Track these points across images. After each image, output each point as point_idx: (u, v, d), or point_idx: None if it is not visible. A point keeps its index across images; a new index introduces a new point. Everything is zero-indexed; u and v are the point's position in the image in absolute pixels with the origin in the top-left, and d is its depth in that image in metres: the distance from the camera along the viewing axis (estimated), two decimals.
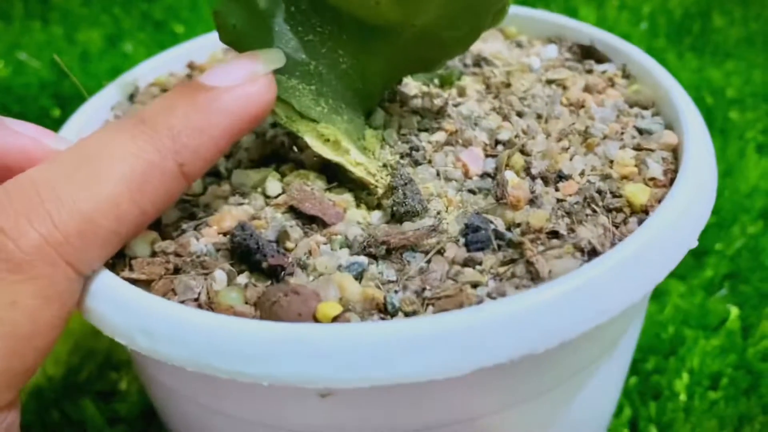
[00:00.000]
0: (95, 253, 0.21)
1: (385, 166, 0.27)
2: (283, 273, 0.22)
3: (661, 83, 0.30)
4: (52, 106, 0.65)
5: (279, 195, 0.26)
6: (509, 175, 0.26)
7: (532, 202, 0.24)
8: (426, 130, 0.29)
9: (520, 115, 0.30)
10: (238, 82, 0.22)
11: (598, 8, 0.77)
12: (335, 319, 0.20)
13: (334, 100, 0.26)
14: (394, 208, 0.24)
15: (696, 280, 0.56)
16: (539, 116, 0.29)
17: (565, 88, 0.32)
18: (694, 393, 0.49)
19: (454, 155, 0.27)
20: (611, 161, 0.26)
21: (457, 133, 0.28)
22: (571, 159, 0.26)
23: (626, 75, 0.33)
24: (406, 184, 0.25)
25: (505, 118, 0.29)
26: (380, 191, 0.25)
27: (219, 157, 0.23)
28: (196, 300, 0.22)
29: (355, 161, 0.25)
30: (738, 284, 0.56)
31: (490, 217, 0.24)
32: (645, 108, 0.30)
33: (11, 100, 0.66)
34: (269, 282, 0.23)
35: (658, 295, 0.55)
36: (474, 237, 0.23)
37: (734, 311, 0.55)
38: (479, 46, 0.36)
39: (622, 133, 0.28)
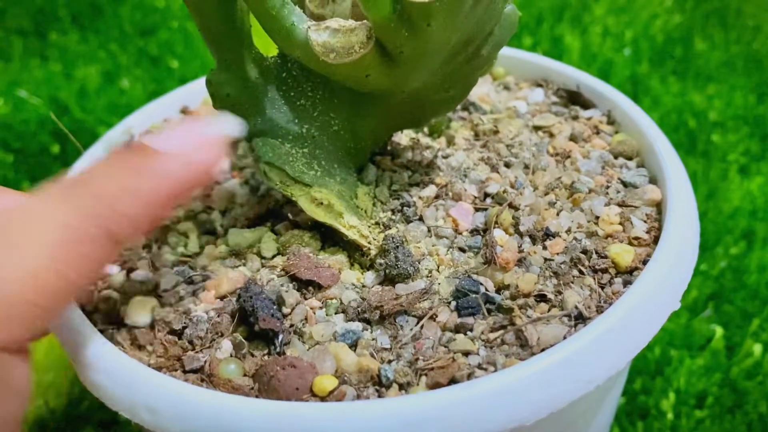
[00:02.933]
0: (17, 331, 0.19)
1: (377, 224, 0.27)
2: (277, 339, 0.23)
3: (644, 132, 0.30)
4: (51, 142, 0.67)
5: (274, 256, 0.27)
6: (498, 233, 0.26)
7: (520, 262, 0.25)
8: (417, 185, 0.29)
9: (507, 165, 0.30)
10: (185, 148, 0.21)
11: (582, 35, 0.78)
12: (331, 393, 0.21)
13: (326, 162, 0.27)
14: (387, 271, 0.25)
15: (681, 301, 0.57)
16: (526, 167, 0.30)
17: (551, 135, 0.32)
18: (681, 412, 0.50)
19: (445, 210, 0.28)
20: (597, 217, 0.27)
21: (447, 186, 0.29)
22: (558, 214, 0.27)
23: (611, 121, 0.33)
24: (397, 247, 0.25)
25: (494, 168, 0.30)
26: (373, 252, 0.26)
27: (155, 221, 0.22)
28: (200, 370, 0.22)
29: (348, 224, 0.26)
30: (722, 304, 0.58)
31: (480, 279, 0.24)
32: (629, 158, 0.30)
33: (11, 137, 0.68)
34: (266, 350, 0.23)
35: None
36: (464, 302, 0.23)
37: (719, 331, 0.56)
38: None
39: (608, 187, 0.28)
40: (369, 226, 0.27)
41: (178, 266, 0.27)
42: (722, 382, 0.53)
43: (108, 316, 0.26)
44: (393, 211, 0.28)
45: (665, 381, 0.53)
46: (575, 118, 0.33)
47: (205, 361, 0.23)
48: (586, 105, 0.34)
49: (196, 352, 0.23)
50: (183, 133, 0.21)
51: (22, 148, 0.67)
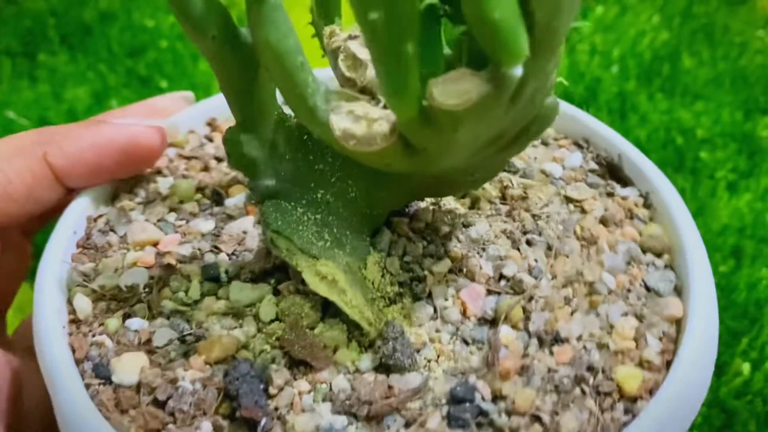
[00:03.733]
0: None
1: (383, 297, 0.26)
2: (258, 426, 0.22)
3: (678, 230, 0.28)
4: None
5: (272, 321, 0.26)
6: (505, 330, 0.25)
7: (522, 369, 0.24)
8: (431, 256, 0.28)
9: (529, 243, 0.28)
10: (132, 126, 0.28)
11: (570, 53, 0.79)
12: None
13: (338, 229, 0.26)
14: (383, 360, 0.24)
15: None
16: (549, 248, 0.28)
17: (583, 211, 0.30)
18: None
19: (456, 289, 0.26)
20: (611, 326, 0.25)
21: (463, 261, 0.27)
22: (572, 314, 0.26)
23: (648, 204, 0.31)
24: (396, 338, 0.24)
25: (515, 244, 0.28)
26: (373, 334, 0.25)
27: (85, 165, 0.28)
28: None
29: (350, 303, 0.25)
30: None
31: (478, 384, 0.23)
32: (659, 255, 0.28)
33: None
34: None
35: None
36: (457, 411, 0.22)
37: None
38: None
39: (629, 290, 0.26)
40: (374, 299, 0.26)
41: (174, 317, 0.26)
42: (711, 402, 0.53)
43: (97, 367, 0.25)
44: (402, 284, 0.26)
45: None
46: (610, 194, 0.31)
47: None
48: (625, 181, 0.32)
49: (177, 427, 0.22)
50: (137, 115, 0.29)
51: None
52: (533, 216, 0.29)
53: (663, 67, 0.79)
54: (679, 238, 0.28)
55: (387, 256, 0.27)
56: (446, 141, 0.21)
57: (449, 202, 0.30)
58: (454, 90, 0.18)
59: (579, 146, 0.34)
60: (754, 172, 0.68)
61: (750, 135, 0.72)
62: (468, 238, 0.28)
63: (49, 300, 0.26)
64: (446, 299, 0.26)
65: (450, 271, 0.27)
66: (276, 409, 0.23)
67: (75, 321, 0.26)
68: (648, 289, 0.26)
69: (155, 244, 0.29)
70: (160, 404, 0.23)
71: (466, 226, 0.29)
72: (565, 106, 0.34)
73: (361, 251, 0.27)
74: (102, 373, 0.24)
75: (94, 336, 0.26)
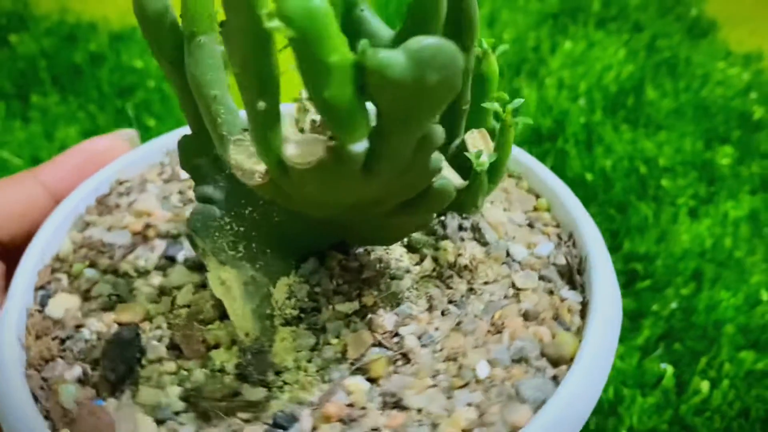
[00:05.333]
0: None
1: (281, 317, 0.28)
2: (122, 383, 0.26)
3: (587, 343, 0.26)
4: None
5: (183, 306, 0.29)
6: (357, 380, 0.26)
7: (347, 419, 0.25)
8: (343, 295, 0.29)
9: (443, 313, 0.29)
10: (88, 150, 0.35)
11: (539, 89, 0.83)
12: None
13: (259, 244, 0.28)
14: (239, 369, 0.26)
15: (633, 342, 0.60)
16: (458, 323, 0.28)
17: (517, 300, 0.29)
18: None
19: (350, 331, 0.28)
20: (452, 411, 0.25)
21: (371, 308, 0.28)
22: (427, 388, 0.25)
23: (584, 314, 0.28)
24: (256, 353, 0.26)
25: (430, 309, 0.29)
26: (245, 344, 0.27)
27: (66, 175, 0.33)
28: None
29: (235, 311, 0.27)
30: (672, 344, 0.61)
31: (304, 416, 0.25)
32: (554, 365, 0.26)
33: None
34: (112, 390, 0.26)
35: None
36: None
37: (669, 370, 0.59)
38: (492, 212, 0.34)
39: (494, 386, 0.25)
40: (272, 315, 0.28)
41: (120, 277, 0.31)
42: (672, 419, 0.56)
43: (43, 298, 0.30)
44: (302, 311, 0.28)
45: (618, 420, 0.55)
46: (551, 292, 0.29)
47: (57, 375, 0.26)
48: (576, 286, 0.30)
49: (61, 362, 0.27)
50: (69, 164, 0.34)
51: None
52: (469, 289, 0.29)
53: (628, 99, 0.83)
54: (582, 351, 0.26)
55: (302, 282, 0.29)
56: (299, 192, 0.23)
57: (398, 254, 0.31)
58: (302, 151, 0.20)
59: (560, 238, 0.32)
60: (713, 198, 0.72)
61: (710, 163, 0.75)
62: (388, 289, 0.29)
63: (45, 236, 0.32)
64: (334, 337, 0.27)
65: (354, 313, 0.28)
66: (138, 377, 0.26)
67: (57, 258, 0.32)
68: (517, 393, 0.25)
69: (149, 216, 0.34)
70: (61, 340, 0.28)
71: (393, 278, 0.30)
72: (566, 196, 0.33)
73: (275, 270, 0.28)
74: (44, 302, 0.30)
75: (59, 273, 0.31)
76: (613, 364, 0.58)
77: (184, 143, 0.28)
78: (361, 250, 0.31)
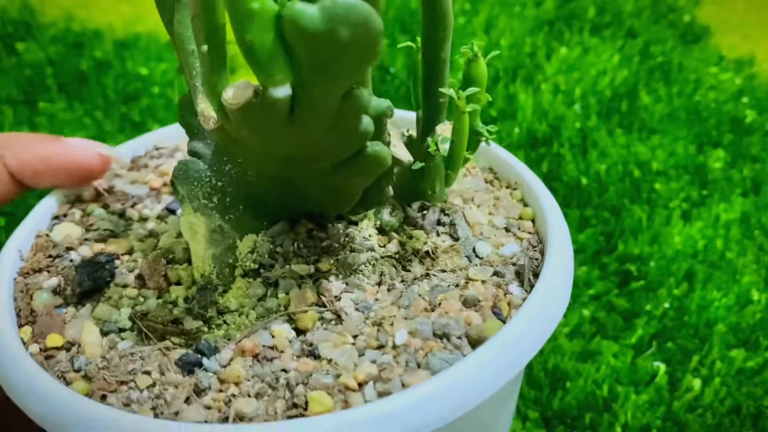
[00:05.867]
0: None
1: (240, 267, 0.30)
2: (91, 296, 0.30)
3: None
4: None
5: (163, 248, 0.32)
6: (283, 327, 0.27)
7: (258, 357, 0.26)
8: (301, 257, 0.30)
9: (389, 289, 0.29)
10: (78, 147, 0.34)
11: (535, 93, 0.85)
12: (58, 348, 0.27)
13: (233, 200, 0.30)
14: (187, 303, 0.29)
15: (627, 341, 0.62)
16: (399, 297, 0.29)
17: (465, 287, 0.29)
18: None
19: (297, 288, 0.29)
20: (355, 366, 0.26)
21: (324, 274, 0.30)
22: (343, 344, 0.26)
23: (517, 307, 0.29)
24: (202, 289, 0.29)
25: (380, 284, 0.30)
26: (199, 283, 0.29)
27: (32, 170, 0.33)
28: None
29: (197, 253, 0.29)
30: (665, 342, 0.62)
31: (220, 348, 0.27)
32: (473, 346, 0.27)
33: None
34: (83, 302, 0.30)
35: (593, 355, 0.61)
36: (187, 358, 0.26)
37: (662, 368, 0.60)
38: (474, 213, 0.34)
39: (407, 354, 0.26)
40: (233, 265, 0.30)
41: (122, 219, 0.35)
42: (665, 415, 0.57)
43: (52, 225, 0.35)
44: (261, 266, 0.30)
45: (612, 416, 0.57)
46: (498, 286, 0.30)
47: (37, 282, 0.30)
48: (525, 285, 0.30)
49: (47, 274, 0.31)
50: (84, 142, 0.35)
51: (12, 211, 0.72)
52: (425, 275, 0.30)
53: (622, 103, 0.85)
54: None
55: (266, 241, 0.31)
56: (240, 138, 0.25)
57: (367, 233, 0.32)
58: (235, 93, 0.22)
59: (530, 244, 0.32)
60: (706, 201, 0.73)
61: (702, 167, 0.77)
62: (346, 261, 0.30)
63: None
64: (282, 293, 0.29)
65: (309, 276, 0.30)
66: (101, 296, 0.30)
67: (77, 198, 0.36)
68: (426, 363, 0.25)
69: (168, 176, 0.37)
70: (52, 257, 0.32)
71: (353, 251, 0.31)
72: (553, 209, 0.33)
73: (245, 226, 0.31)
74: (53, 228, 0.34)
75: (75, 208, 0.36)
76: (608, 362, 0.60)
77: (181, 102, 0.30)
78: (334, 225, 0.32)
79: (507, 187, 0.37)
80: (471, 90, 0.28)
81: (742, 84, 0.90)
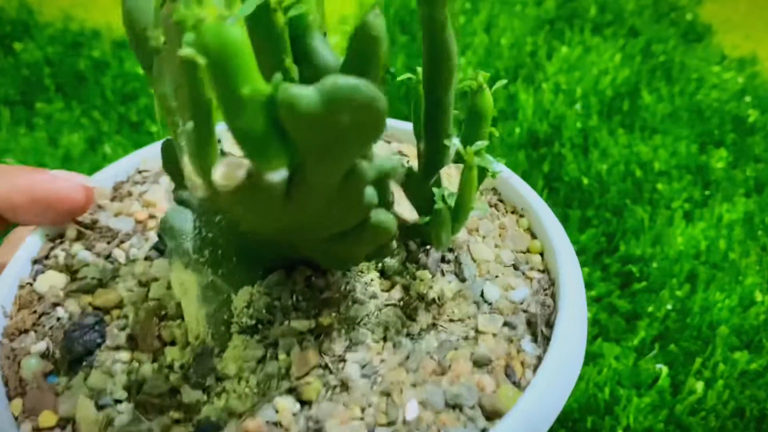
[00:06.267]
0: None
1: (237, 324, 0.29)
2: (80, 362, 0.28)
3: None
4: None
5: (154, 299, 0.30)
6: (286, 402, 0.26)
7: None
8: (301, 311, 0.29)
9: (395, 345, 0.28)
10: (57, 179, 0.32)
11: (536, 93, 0.84)
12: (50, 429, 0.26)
13: (225, 252, 0.28)
14: (184, 370, 0.27)
15: (629, 343, 0.61)
16: (407, 357, 0.28)
17: (475, 343, 0.28)
18: None
19: (299, 348, 0.28)
20: None
21: (326, 329, 0.29)
22: (351, 420, 0.26)
23: (535, 369, 0.28)
24: (199, 356, 0.27)
25: (386, 339, 0.29)
26: (194, 347, 0.28)
27: (11, 206, 0.31)
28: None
29: (189, 313, 0.28)
30: (667, 344, 0.62)
31: (229, 426, 0.26)
32: (489, 419, 0.26)
33: None
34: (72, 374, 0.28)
35: (595, 357, 0.60)
36: None
37: (664, 370, 0.60)
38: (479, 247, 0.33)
39: (416, 429, 0.26)
40: (229, 322, 0.29)
41: (108, 262, 0.33)
42: (668, 418, 0.57)
43: (37, 273, 0.33)
44: (259, 322, 0.29)
45: (614, 419, 0.56)
46: (510, 341, 0.28)
47: (24, 347, 0.29)
48: (538, 339, 0.29)
49: (33, 334, 0.29)
50: (64, 174, 0.33)
51: None
52: (432, 324, 0.29)
53: (623, 103, 0.84)
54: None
55: (263, 294, 0.29)
56: (231, 213, 0.24)
57: (369, 278, 0.31)
58: (226, 173, 0.21)
59: (540, 285, 0.31)
60: (708, 202, 0.73)
61: (704, 167, 0.76)
62: (348, 313, 0.29)
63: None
64: (284, 352, 0.27)
65: (309, 331, 0.28)
66: (94, 361, 0.28)
67: (59, 236, 0.34)
68: None
69: (154, 207, 0.35)
70: (38, 314, 0.30)
71: (355, 302, 0.30)
72: (559, 241, 0.31)
73: (239, 278, 0.29)
74: (35, 277, 0.32)
75: (57, 249, 0.34)
76: (609, 365, 0.59)
77: (165, 147, 0.29)
78: (333, 272, 0.31)
79: (512, 213, 0.36)
80: (479, 144, 0.26)
81: (745, 83, 0.89)
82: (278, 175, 0.20)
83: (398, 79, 0.30)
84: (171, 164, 0.28)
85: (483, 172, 0.29)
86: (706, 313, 0.64)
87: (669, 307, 0.65)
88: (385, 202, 0.25)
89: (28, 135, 0.83)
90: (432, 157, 0.30)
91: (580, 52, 0.91)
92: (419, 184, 0.30)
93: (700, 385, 0.58)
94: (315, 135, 0.19)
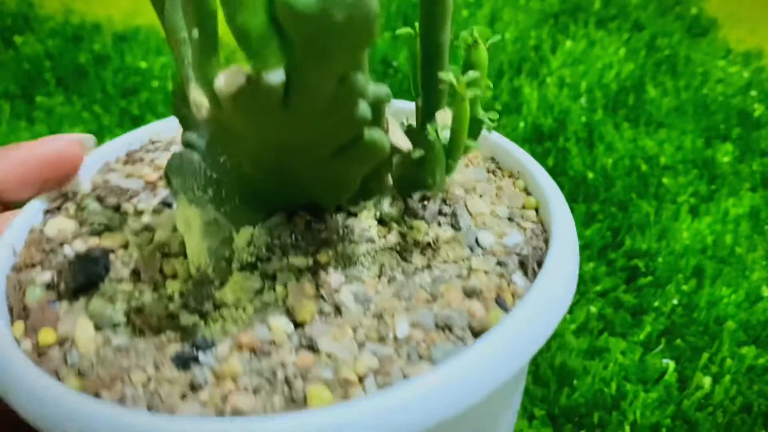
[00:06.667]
0: None
1: (238, 261, 0.29)
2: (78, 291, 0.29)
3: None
4: None
5: (160, 241, 0.31)
6: (281, 322, 0.27)
7: (256, 351, 0.26)
8: (300, 250, 0.30)
9: (390, 280, 0.29)
10: (45, 147, 0.32)
11: (540, 87, 0.83)
12: (49, 346, 0.26)
13: (228, 192, 0.29)
14: (183, 298, 0.28)
15: (635, 338, 0.61)
16: (399, 290, 0.28)
17: (467, 277, 0.29)
18: None
19: (295, 282, 0.28)
20: (355, 359, 0.26)
21: (323, 266, 0.29)
22: (344, 338, 0.26)
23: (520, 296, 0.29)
24: (198, 284, 0.28)
25: (381, 275, 0.29)
26: (195, 276, 0.29)
27: (14, 179, 0.32)
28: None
29: (191, 247, 0.29)
30: (674, 339, 0.61)
31: (216, 344, 0.27)
32: (476, 334, 0.27)
33: None
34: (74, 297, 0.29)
35: (601, 352, 0.60)
36: (183, 354, 0.26)
37: (671, 365, 0.59)
38: (477, 203, 0.34)
39: (408, 346, 0.26)
40: (230, 259, 0.29)
41: (116, 213, 0.34)
42: (675, 414, 0.56)
43: (47, 218, 0.34)
44: (258, 259, 0.30)
45: (621, 414, 0.56)
46: (502, 276, 0.29)
47: (30, 278, 0.30)
48: (529, 275, 0.29)
49: (40, 269, 0.30)
50: (48, 138, 0.33)
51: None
52: (426, 266, 0.29)
53: (628, 97, 0.83)
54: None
55: (264, 234, 0.30)
56: (233, 124, 0.24)
57: (366, 224, 0.32)
58: (228, 81, 0.22)
59: (534, 234, 0.32)
60: (714, 196, 0.72)
61: (710, 161, 0.76)
62: (345, 252, 0.30)
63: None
64: (279, 286, 0.28)
65: (307, 269, 0.29)
66: (96, 291, 0.29)
67: (72, 192, 0.35)
68: (428, 355, 0.25)
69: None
70: (46, 252, 0.31)
71: (352, 243, 0.31)
72: (557, 199, 0.32)
73: (241, 218, 0.30)
74: (46, 222, 0.33)
75: (69, 202, 0.35)
76: (615, 359, 0.58)
77: (175, 92, 0.30)
78: (333, 216, 0.32)
79: (510, 177, 0.37)
80: (471, 74, 0.27)
81: (750, 77, 0.89)
82: (276, 76, 0.21)
83: (398, 32, 0.31)
84: (179, 107, 0.30)
85: (478, 124, 0.30)
86: (712, 308, 0.63)
87: (675, 301, 0.64)
88: (380, 126, 0.26)
89: (29, 129, 0.83)
90: (429, 106, 0.30)
91: (584, 45, 0.90)
92: (417, 133, 0.31)
93: (707, 381, 0.58)
94: (310, 32, 0.20)
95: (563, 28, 0.97)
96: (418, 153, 0.29)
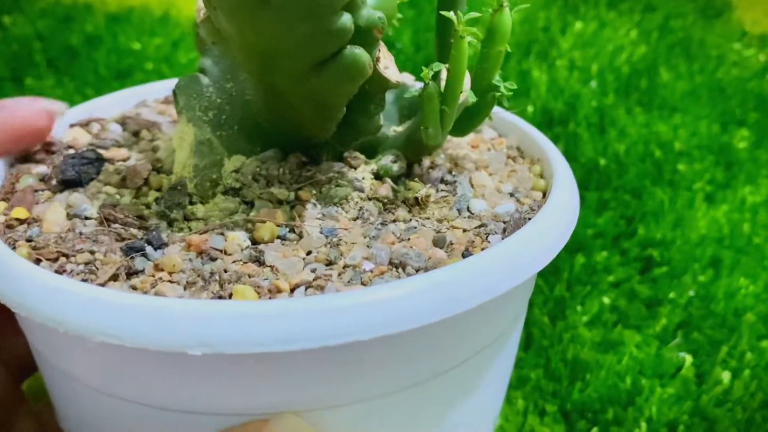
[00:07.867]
0: None
1: (222, 185, 0.30)
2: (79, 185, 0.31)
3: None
4: None
5: (156, 149, 0.33)
6: (236, 233, 0.27)
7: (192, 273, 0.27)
8: (282, 184, 0.30)
9: (364, 221, 0.29)
10: (19, 107, 0.33)
11: (549, 69, 0.80)
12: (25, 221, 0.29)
13: (228, 118, 0.31)
14: (157, 199, 0.29)
15: (650, 330, 0.58)
16: (363, 235, 0.28)
17: (443, 232, 0.29)
18: None
19: (270, 209, 0.29)
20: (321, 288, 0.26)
21: (302, 202, 0.29)
22: (290, 258, 0.26)
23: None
24: (171, 190, 0.29)
25: (357, 219, 0.29)
26: (173, 180, 0.30)
27: None
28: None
29: (179, 161, 0.30)
30: (691, 332, 0.58)
31: (165, 240, 0.28)
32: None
33: None
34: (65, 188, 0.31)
35: (615, 345, 0.57)
36: (133, 245, 0.28)
37: (688, 359, 0.57)
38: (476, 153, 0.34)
39: (351, 271, 0.27)
40: (216, 181, 0.30)
41: (127, 132, 0.37)
42: (692, 410, 0.54)
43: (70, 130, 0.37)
44: (242, 185, 0.30)
45: (637, 410, 0.53)
46: (478, 235, 0.29)
47: (27, 168, 0.32)
48: (508, 235, 0.29)
49: (42, 165, 0.33)
50: (27, 100, 0.33)
51: None
52: (408, 219, 0.29)
53: (641, 81, 0.81)
54: None
55: (256, 166, 0.31)
56: (221, 26, 0.26)
57: (361, 174, 0.32)
58: None
59: (531, 209, 0.31)
60: (731, 183, 0.70)
61: (727, 147, 0.73)
62: (329, 193, 0.30)
63: (105, 104, 0.39)
64: (254, 212, 0.29)
65: (287, 202, 0.30)
66: (81, 187, 0.31)
67: (101, 118, 0.38)
68: (362, 284, 0.26)
69: None
70: (52, 153, 0.34)
71: (338, 186, 0.30)
72: (564, 177, 0.32)
73: (236, 145, 0.31)
74: (67, 137, 0.36)
75: (95, 123, 0.37)
76: (630, 353, 0.56)
77: (197, 24, 0.30)
78: (330, 157, 0.32)
79: (530, 163, 0.36)
80: (471, 14, 0.26)
81: (767, 61, 0.86)
82: None
83: None
84: (199, 36, 0.31)
85: (491, 94, 0.29)
86: (730, 300, 0.61)
87: (692, 293, 0.62)
88: (371, 52, 0.27)
89: None
90: (442, 59, 0.30)
91: (595, 27, 0.87)
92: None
93: (726, 375, 0.55)
94: None
95: (573, 8, 0.94)
96: (411, 92, 0.29)
